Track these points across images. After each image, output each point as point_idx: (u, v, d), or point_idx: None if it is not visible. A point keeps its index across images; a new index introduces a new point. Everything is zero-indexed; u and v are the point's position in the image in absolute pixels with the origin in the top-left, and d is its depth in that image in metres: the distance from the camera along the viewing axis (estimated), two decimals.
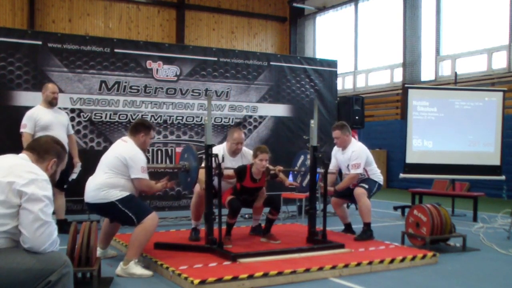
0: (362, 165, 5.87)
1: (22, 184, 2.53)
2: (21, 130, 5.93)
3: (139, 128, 4.68)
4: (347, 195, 6.04)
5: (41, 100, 6.13)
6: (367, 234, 5.70)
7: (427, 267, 4.77)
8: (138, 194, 4.63)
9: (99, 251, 4.64)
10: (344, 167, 6.09)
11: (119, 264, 4.40)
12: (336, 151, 6.23)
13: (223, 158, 4.96)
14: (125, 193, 4.42)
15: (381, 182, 6.04)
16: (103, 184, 4.39)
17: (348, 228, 6.22)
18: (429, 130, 8.44)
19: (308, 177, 5.43)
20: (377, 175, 6.03)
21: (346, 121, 6.66)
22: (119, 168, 4.44)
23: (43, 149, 2.82)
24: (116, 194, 4.38)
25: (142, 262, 4.59)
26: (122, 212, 4.37)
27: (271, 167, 5.32)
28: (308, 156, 5.39)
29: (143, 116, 6.88)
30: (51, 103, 6.09)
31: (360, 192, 5.79)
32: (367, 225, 5.75)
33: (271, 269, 4.16)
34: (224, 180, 5.06)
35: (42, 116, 5.96)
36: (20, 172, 2.58)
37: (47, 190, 2.61)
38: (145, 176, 4.52)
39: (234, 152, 5.52)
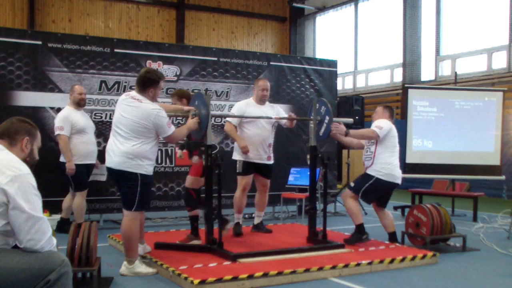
0: (383, 131, 5.40)
1: (5, 183, 2.46)
2: (57, 132, 5.88)
3: (147, 84, 4.35)
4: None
5: (69, 102, 6.14)
6: (354, 237, 5.36)
7: (427, 267, 4.77)
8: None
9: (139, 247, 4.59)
10: None
11: (118, 264, 4.41)
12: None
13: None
14: (150, 170, 4.32)
15: (382, 177, 5.32)
16: (132, 153, 4.19)
17: (391, 238, 5.58)
18: (429, 130, 8.45)
19: (324, 125, 5.43)
20: (381, 166, 5.35)
21: None
22: (142, 133, 4.24)
23: (12, 131, 2.70)
24: (143, 168, 4.25)
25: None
26: (134, 190, 4.24)
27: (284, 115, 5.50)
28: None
29: None
30: (79, 104, 6.12)
31: (343, 195, 5.59)
32: (355, 228, 5.40)
33: (271, 269, 4.16)
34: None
35: (78, 119, 5.99)
36: (2, 168, 2.50)
37: (33, 184, 2.55)
38: (173, 128, 4.38)
39: (261, 99, 5.83)
